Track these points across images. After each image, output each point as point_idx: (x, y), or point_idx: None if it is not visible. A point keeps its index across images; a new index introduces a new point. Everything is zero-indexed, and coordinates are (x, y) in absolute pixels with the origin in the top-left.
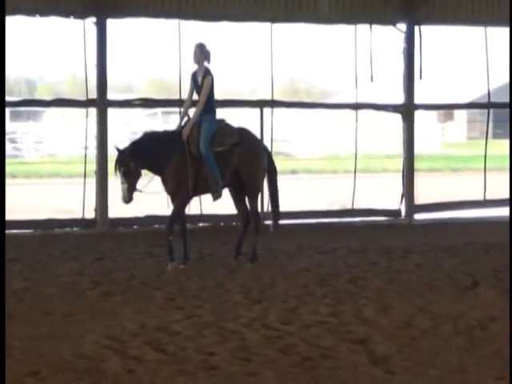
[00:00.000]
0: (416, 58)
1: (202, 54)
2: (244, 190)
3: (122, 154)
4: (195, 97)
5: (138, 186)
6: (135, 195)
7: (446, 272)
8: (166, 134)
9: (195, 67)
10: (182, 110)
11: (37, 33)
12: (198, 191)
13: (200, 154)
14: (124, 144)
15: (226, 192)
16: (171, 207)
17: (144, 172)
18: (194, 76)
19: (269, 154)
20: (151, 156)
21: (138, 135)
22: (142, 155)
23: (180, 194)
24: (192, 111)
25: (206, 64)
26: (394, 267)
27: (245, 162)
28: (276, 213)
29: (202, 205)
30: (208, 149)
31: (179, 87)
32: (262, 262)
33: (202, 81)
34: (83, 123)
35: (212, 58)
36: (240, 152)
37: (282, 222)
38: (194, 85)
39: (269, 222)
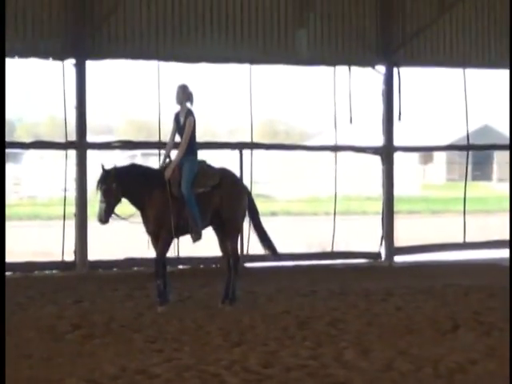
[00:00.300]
0: (395, 100)
1: (184, 94)
2: (224, 230)
3: (107, 173)
4: (177, 138)
5: (117, 211)
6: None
7: (426, 315)
8: (150, 171)
9: (178, 108)
10: (165, 151)
11: (16, 74)
12: (179, 232)
13: (181, 195)
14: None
15: (205, 235)
16: (151, 249)
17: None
18: (177, 117)
19: (249, 195)
20: (133, 186)
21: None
22: (125, 181)
23: (162, 237)
24: (174, 152)
25: (188, 105)
26: (374, 310)
27: (226, 203)
28: (270, 242)
29: (179, 247)
30: (189, 190)
31: (159, 128)
32: (241, 304)
33: (184, 122)
34: (63, 165)
35: (194, 100)
36: (221, 193)
37: (261, 264)
38: (177, 126)
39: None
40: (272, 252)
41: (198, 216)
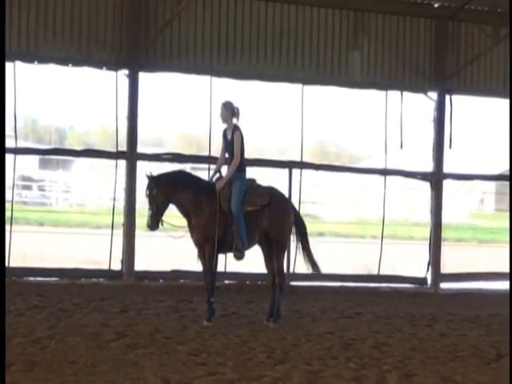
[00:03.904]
0: (446, 127)
1: (227, 111)
2: (271, 248)
3: (149, 180)
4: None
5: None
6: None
7: (471, 343)
8: (199, 180)
9: (225, 125)
10: (215, 167)
11: (69, 82)
12: (225, 248)
13: (230, 212)
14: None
15: (252, 251)
16: (199, 263)
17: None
18: (225, 134)
19: (298, 214)
20: (177, 193)
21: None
22: (167, 187)
23: (208, 250)
24: (224, 168)
25: (234, 121)
26: (418, 335)
27: (274, 222)
28: (311, 258)
29: (226, 262)
30: (239, 208)
31: (209, 143)
32: (285, 322)
33: (232, 137)
34: (112, 174)
35: (241, 115)
36: (270, 212)
37: (306, 283)
38: (224, 142)
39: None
40: (316, 270)
41: (245, 235)
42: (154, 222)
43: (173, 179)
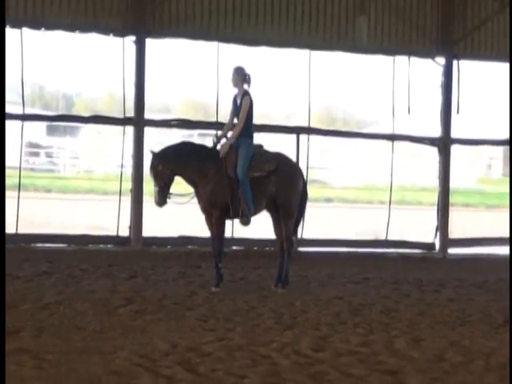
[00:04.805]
0: (454, 92)
1: (238, 76)
2: (279, 215)
3: (153, 156)
4: (235, 120)
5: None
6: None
7: (479, 308)
8: (203, 149)
9: (236, 90)
10: (222, 131)
11: (76, 48)
12: (232, 214)
13: (236, 178)
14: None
15: (259, 217)
16: (206, 229)
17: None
18: (235, 99)
19: (303, 179)
20: (182, 164)
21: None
22: (171, 161)
23: (215, 216)
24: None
25: (245, 87)
26: (426, 300)
27: (281, 188)
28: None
29: (234, 228)
30: (244, 174)
31: (216, 109)
32: (293, 288)
33: (241, 102)
34: (120, 141)
35: (252, 81)
36: (277, 178)
37: (314, 249)
38: (234, 107)
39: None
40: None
41: (251, 201)
42: (162, 198)
43: (176, 152)
